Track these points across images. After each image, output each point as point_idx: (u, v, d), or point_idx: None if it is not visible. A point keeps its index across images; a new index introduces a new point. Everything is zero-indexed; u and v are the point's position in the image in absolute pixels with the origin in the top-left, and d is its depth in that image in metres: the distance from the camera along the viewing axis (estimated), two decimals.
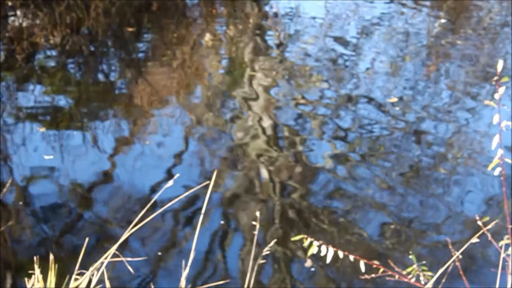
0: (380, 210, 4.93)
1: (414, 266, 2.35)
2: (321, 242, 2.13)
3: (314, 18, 9.07)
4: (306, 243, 2.15)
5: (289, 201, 4.99)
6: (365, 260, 2.19)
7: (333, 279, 4.22)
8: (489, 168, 2.48)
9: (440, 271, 2.43)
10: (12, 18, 8.25)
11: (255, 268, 2.85)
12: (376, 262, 2.28)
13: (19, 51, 7.53)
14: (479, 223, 2.46)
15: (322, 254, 2.13)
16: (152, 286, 3.85)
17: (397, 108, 6.50)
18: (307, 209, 4.91)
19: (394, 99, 6.70)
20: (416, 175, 5.39)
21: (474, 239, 2.56)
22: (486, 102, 3.42)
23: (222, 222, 4.73)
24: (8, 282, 4.08)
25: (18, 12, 8.29)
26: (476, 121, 6.32)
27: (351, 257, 2.17)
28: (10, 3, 8.34)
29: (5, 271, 4.14)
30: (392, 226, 4.73)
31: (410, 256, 2.45)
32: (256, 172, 5.37)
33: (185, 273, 2.81)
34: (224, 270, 4.31)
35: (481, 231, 2.59)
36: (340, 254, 2.16)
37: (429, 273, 2.40)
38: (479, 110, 6.55)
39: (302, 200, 5.01)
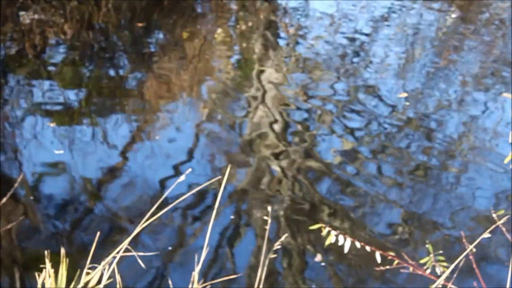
0: (390, 206, 4.92)
1: (431, 255, 2.34)
2: (338, 232, 2.13)
3: (324, 13, 9.06)
4: (324, 232, 2.14)
5: (300, 196, 4.99)
6: (381, 252, 2.19)
7: (343, 274, 4.22)
8: (506, 161, 2.47)
9: (453, 266, 2.42)
10: (23, 14, 8.27)
11: (266, 262, 2.84)
12: (391, 253, 2.27)
13: (30, 47, 7.55)
14: (494, 215, 2.45)
15: (340, 243, 2.13)
16: (170, 281, 3.85)
17: (407, 104, 6.49)
18: (318, 204, 4.91)
19: (404, 94, 6.70)
20: (426, 171, 5.38)
21: (486, 234, 2.55)
22: (504, 94, 3.42)
23: (232, 217, 4.74)
24: (19, 277, 4.09)
25: (29, 8, 8.31)
26: (486, 117, 6.31)
27: (368, 248, 2.16)
28: None
29: (15, 266, 4.15)
30: (403, 222, 4.72)
31: (427, 245, 2.44)
32: (266, 167, 5.36)
33: (197, 268, 2.81)
34: (234, 265, 4.31)
35: (495, 225, 2.58)
36: (357, 244, 2.15)
37: (445, 264, 2.39)
38: (490, 105, 6.54)
39: (312, 195, 5.01)
